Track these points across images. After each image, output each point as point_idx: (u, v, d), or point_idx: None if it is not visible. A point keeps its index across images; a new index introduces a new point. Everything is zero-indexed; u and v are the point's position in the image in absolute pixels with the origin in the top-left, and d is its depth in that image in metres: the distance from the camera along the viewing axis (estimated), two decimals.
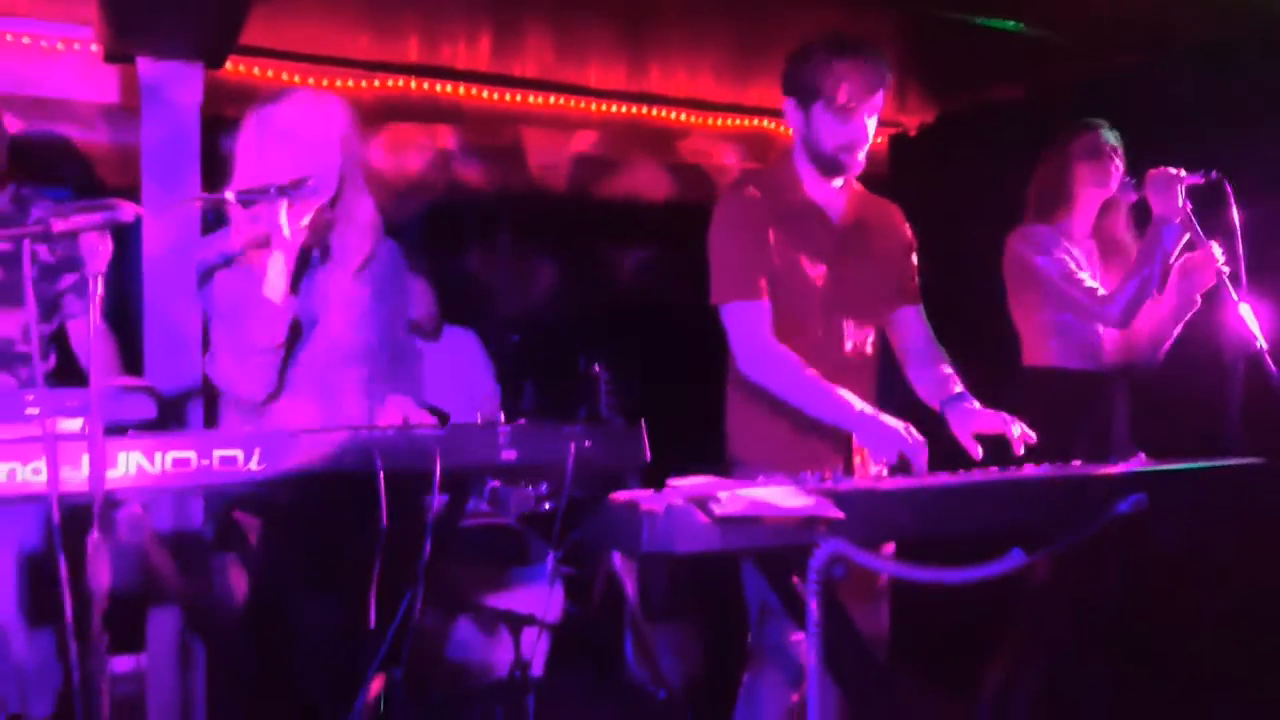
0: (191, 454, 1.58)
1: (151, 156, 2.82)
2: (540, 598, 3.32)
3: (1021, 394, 2.84)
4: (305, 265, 2.10)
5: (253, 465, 1.59)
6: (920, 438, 2.04)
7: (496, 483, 3.21)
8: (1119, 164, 2.85)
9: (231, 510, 2.04)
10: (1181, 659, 2.96)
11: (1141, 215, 2.79)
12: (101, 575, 1.46)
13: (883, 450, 2.02)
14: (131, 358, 2.69)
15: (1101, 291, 2.74)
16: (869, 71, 2.19)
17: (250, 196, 1.85)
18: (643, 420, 1.90)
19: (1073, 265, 2.80)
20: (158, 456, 1.56)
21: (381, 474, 1.63)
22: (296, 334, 2.07)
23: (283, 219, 1.92)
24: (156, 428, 1.94)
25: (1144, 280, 2.64)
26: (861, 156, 2.27)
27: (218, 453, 1.58)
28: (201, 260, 2.07)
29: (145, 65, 2.82)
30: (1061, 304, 2.81)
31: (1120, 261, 2.83)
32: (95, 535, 1.45)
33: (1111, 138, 2.87)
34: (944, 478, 1.79)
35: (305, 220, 1.98)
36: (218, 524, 2.07)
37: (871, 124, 2.25)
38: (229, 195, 1.80)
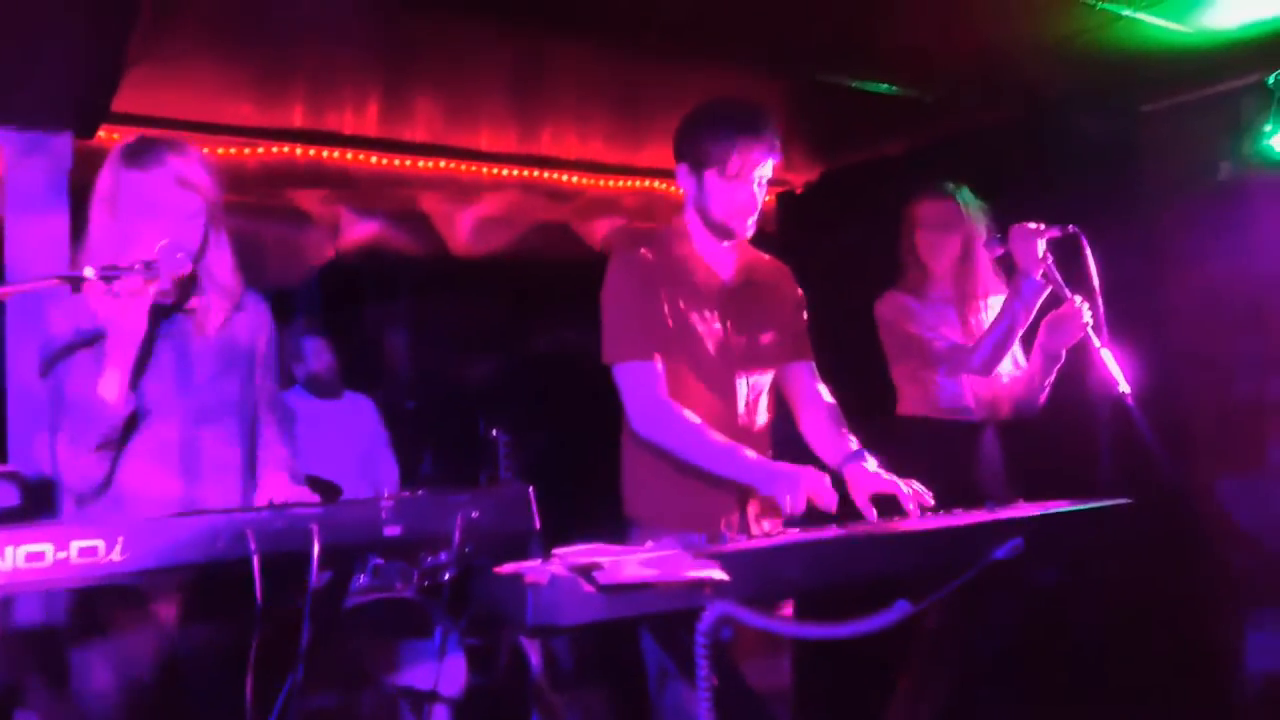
0: (48, 547, 1.48)
1: (16, 229, 2.70)
2: (441, 672, 3.23)
3: (895, 443, 2.92)
4: (168, 327, 2.02)
5: (115, 556, 1.50)
6: (823, 477, 2.05)
7: (380, 560, 3.11)
8: (968, 221, 2.96)
9: (96, 602, 1.92)
10: (1064, 688, 3.05)
11: (1005, 266, 2.92)
12: None
13: (786, 492, 2.02)
14: None
15: (964, 344, 2.86)
16: (761, 143, 2.23)
17: (114, 273, 1.77)
18: (530, 486, 1.87)
19: (936, 323, 2.92)
20: (9, 552, 1.46)
21: (256, 557, 1.56)
22: (161, 395, 1.99)
23: (126, 321, 1.84)
24: (21, 514, 1.83)
25: (1005, 331, 2.76)
26: (752, 222, 2.31)
27: (76, 544, 1.48)
28: (54, 337, 1.95)
29: (8, 136, 2.71)
30: (929, 361, 2.92)
31: (986, 310, 2.95)
32: None
33: (956, 196, 2.98)
34: (831, 531, 1.81)
35: (147, 302, 1.90)
36: (81, 617, 1.95)
37: (761, 191, 2.29)
38: (88, 273, 1.73)
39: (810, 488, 2.03)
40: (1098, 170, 3.61)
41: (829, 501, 2.03)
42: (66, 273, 1.75)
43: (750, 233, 2.34)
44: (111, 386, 1.87)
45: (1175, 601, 3.32)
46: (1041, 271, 2.66)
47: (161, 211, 1.95)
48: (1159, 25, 3.17)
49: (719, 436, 2.18)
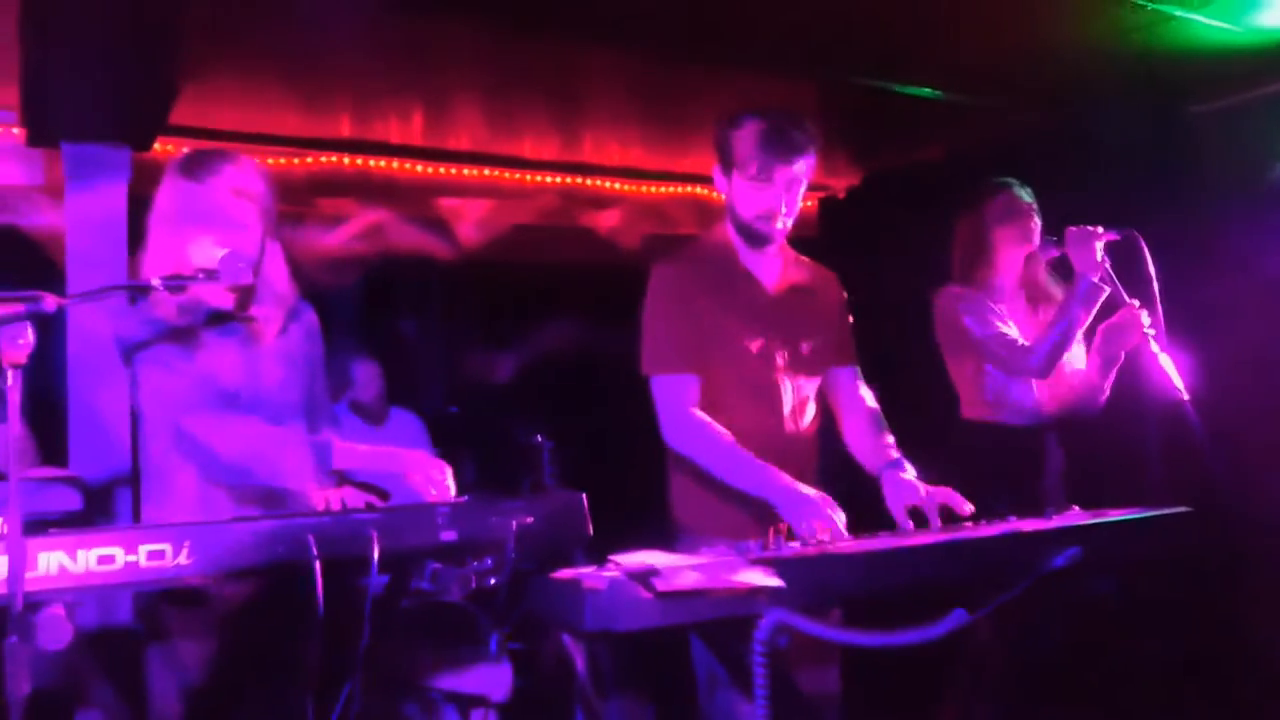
0: (117, 550, 1.52)
1: (77, 240, 2.77)
2: (488, 676, 3.24)
3: (959, 446, 2.89)
4: (231, 335, 2.07)
5: (182, 559, 1.53)
6: (839, 513, 2.02)
7: (437, 564, 3.13)
8: (1036, 220, 2.95)
9: (161, 604, 1.97)
10: (1117, 703, 3.00)
11: (1061, 268, 2.89)
12: (22, 683, 1.39)
13: (799, 521, 2.00)
14: (52, 449, 2.61)
15: (1024, 343, 2.82)
16: (784, 141, 2.21)
17: (178, 283, 1.82)
18: (583, 493, 1.89)
19: (998, 323, 2.87)
20: (81, 555, 1.50)
21: (317, 562, 1.59)
22: (232, 403, 2.03)
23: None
24: (83, 519, 1.87)
25: (1063, 332, 2.73)
26: (781, 225, 2.29)
27: (144, 548, 1.52)
28: (129, 335, 2.00)
29: (70, 150, 2.78)
30: (991, 360, 2.89)
31: (1048, 309, 2.93)
32: (14, 641, 1.39)
33: (1025, 195, 2.98)
34: (885, 539, 1.80)
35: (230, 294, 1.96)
36: (147, 619, 1.99)
37: (792, 194, 2.27)
38: (156, 283, 1.77)
39: (825, 524, 1.98)
40: (1148, 172, 3.56)
41: (836, 535, 1.99)
42: (134, 282, 1.79)
43: (779, 238, 2.32)
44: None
45: (1228, 611, 3.26)
46: (1099, 275, 2.63)
47: (218, 221, 1.99)
48: (1211, 25, 3.12)
49: (747, 453, 2.17)
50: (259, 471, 1.99)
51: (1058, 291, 2.94)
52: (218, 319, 2.04)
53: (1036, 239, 2.93)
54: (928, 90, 3.73)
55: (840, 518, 2.02)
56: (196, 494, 2.02)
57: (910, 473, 2.22)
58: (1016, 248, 2.95)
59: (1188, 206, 3.58)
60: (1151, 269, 2.50)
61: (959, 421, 3.02)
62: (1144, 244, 2.51)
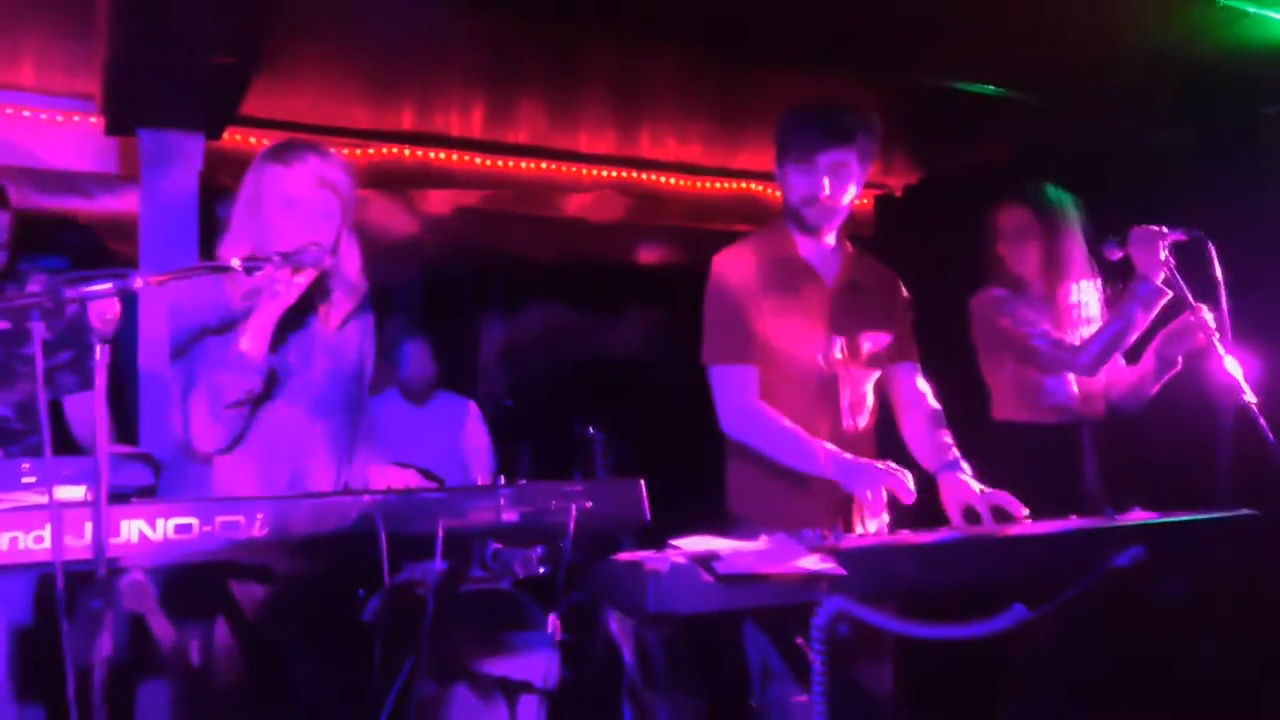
0: (194, 520, 1.58)
1: (150, 225, 2.86)
2: (536, 664, 3.27)
3: (992, 447, 2.86)
4: (292, 317, 2.11)
5: (255, 530, 1.59)
6: (901, 469, 2.04)
7: (498, 545, 3.17)
8: (1050, 226, 2.89)
9: (228, 576, 2.02)
10: (1179, 707, 2.94)
11: (1110, 271, 2.85)
12: (104, 645, 1.45)
13: (866, 487, 2.03)
14: (120, 427, 2.69)
15: (1071, 341, 2.79)
16: (825, 125, 2.23)
17: (255, 264, 1.86)
18: (641, 478, 1.91)
19: (1028, 320, 2.85)
20: (160, 523, 1.56)
21: (384, 538, 1.63)
22: (275, 383, 2.07)
23: (281, 286, 1.93)
24: (153, 494, 1.93)
25: (1118, 332, 2.68)
26: (826, 211, 2.29)
27: (220, 518, 1.58)
28: (186, 326, 2.05)
29: (146, 137, 2.87)
30: (1028, 360, 2.86)
31: (1067, 296, 2.89)
32: (98, 604, 1.45)
33: (1034, 205, 2.91)
34: (945, 533, 1.80)
35: (303, 283, 1.99)
36: (213, 590, 2.05)
37: (838, 180, 2.27)
38: (234, 263, 1.81)
39: (890, 483, 2.03)
40: (1218, 173, 3.49)
41: (907, 497, 2.03)
42: (213, 263, 1.84)
43: (827, 225, 2.32)
44: (255, 345, 1.95)
45: None
46: (1163, 276, 2.59)
47: (300, 207, 2.03)
48: None
49: (805, 436, 2.19)
50: (284, 467, 2.05)
51: (1088, 278, 2.91)
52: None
53: (1056, 239, 2.91)
54: (990, 89, 3.69)
55: (905, 476, 2.03)
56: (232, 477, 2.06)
57: (967, 473, 2.21)
58: (1026, 257, 2.93)
59: (1259, 208, 3.50)
60: (1218, 270, 2.45)
61: (990, 423, 2.99)
62: (1211, 245, 2.46)
